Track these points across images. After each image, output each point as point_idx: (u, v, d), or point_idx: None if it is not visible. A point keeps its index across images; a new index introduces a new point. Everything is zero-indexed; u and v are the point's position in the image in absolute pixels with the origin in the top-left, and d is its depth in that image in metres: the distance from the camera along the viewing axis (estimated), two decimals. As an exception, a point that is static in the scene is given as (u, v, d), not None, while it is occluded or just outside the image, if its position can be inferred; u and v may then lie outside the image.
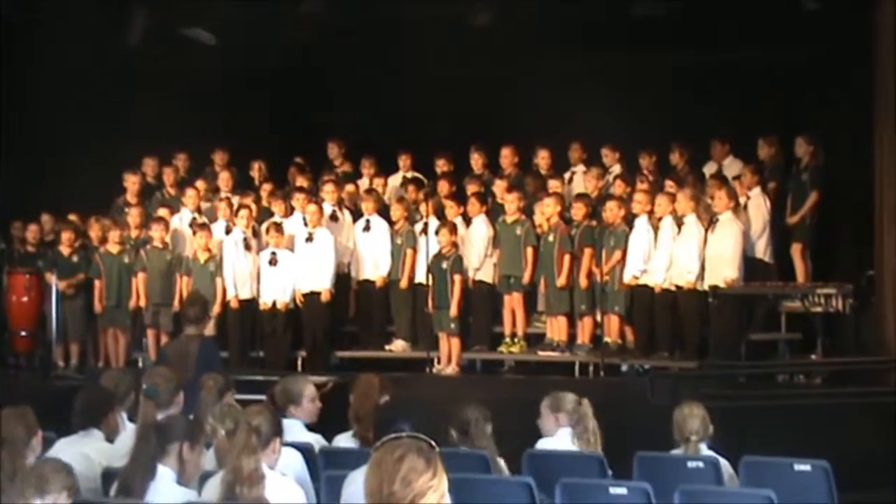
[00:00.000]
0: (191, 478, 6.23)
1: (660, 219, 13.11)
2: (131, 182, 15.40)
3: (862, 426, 10.14)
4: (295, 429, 7.57)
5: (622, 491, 6.85)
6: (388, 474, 3.81)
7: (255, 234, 14.58)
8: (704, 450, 7.60)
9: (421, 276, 14.13)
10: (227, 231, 14.59)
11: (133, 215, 14.95)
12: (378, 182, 15.43)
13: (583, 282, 13.38)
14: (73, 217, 15.39)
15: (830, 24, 13.30)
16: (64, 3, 14.67)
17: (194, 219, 14.90)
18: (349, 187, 15.27)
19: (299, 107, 16.31)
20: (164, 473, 6.07)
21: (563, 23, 14.43)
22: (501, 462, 7.44)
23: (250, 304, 14.31)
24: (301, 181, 15.22)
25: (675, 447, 7.67)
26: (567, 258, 13.40)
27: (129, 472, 6.08)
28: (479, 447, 7.32)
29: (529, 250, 13.70)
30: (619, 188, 13.84)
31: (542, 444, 7.78)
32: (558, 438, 7.72)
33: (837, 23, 13.17)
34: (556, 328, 13.64)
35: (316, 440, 7.67)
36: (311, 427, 7.80)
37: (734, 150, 14.21)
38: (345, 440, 7.74)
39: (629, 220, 13.32)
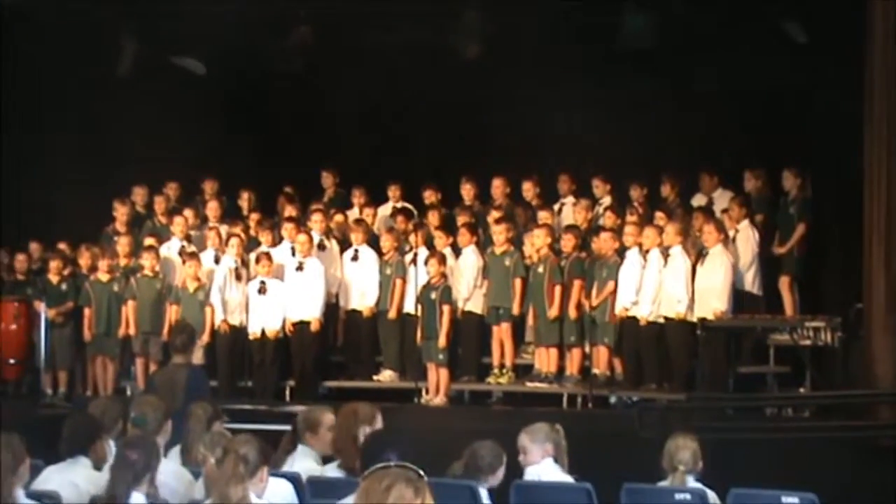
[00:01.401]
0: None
1: (647, 251, 13.13)
2: (121, 211, 15.40)
3: (850, 460, 10.14)
4: (307, 457, 7.56)
5: (611, 522, 6.85)
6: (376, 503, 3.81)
7: (244, 263, 14.57)
8: (691, 481, 7.59)
9: (409, 307, 14.12)
10: (216, 260, 14.59)
11: (122, 244, 14.94)
12: (368, 212, 15.43)
13: (572, 313, 13.38)
14: (62, 245, 15.38)
15: (819, 55, 13.35)
16: (54, 31, 14.69)
17: (183, 247, 14.89)
18: (338, 217, 15.26)
19: (289, 136, 16.32)
20: (137, 498, 6.07)
21: (553, 54, 14.48)
22: None
23: (239, 334, 14.29)
24: (290, 210, 15.23)
25: (663, 477, 7.66)
26: (557, 289, 13.41)
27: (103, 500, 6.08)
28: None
29: (518, 281, 13.71)
30: (609, 220, 13.86)
31: (530, 474, 7.76)
32: (543, 467, 7.71)
33: (826, 54, 13.22)
34: (544, 359, 13.62)
35: (332, 470, 7.60)
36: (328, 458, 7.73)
37: (723, 182, 14.24)
38: (331, 470, 7.71)
39: (620, 251, 13.33)
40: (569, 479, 7.68)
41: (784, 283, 13.36)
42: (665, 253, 13.01)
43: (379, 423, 7.64)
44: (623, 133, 14.30)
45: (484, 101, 15.25)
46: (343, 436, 7.53)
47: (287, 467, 7.49)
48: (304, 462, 7.49)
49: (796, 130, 13.74)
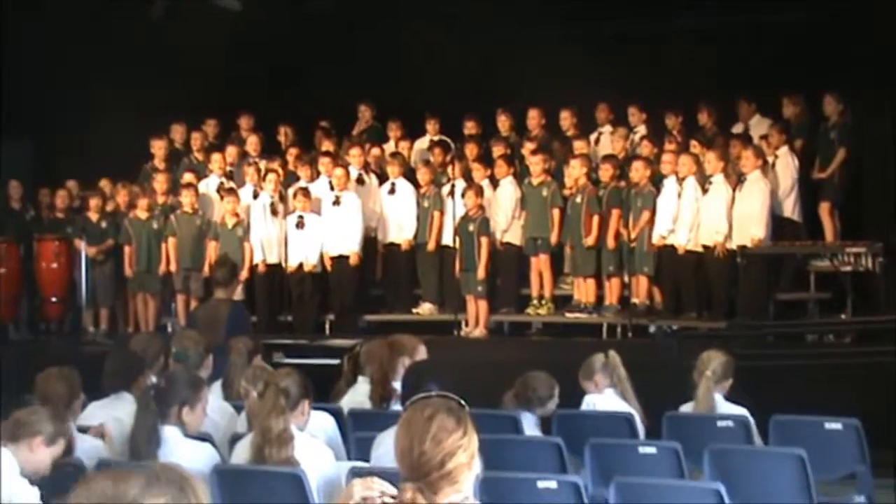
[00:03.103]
0: (194, 432, 6.28)
1: (684, 179, 13.06)
2: (158, 147, 15.42)
3: (892, 385, 10.09)
4: (365, 387, 7.63)
5: (651, 450, 6.86)
6: (418, 434, 3.81)
7: (282, 198, 14.59)
8: (717, 392, 7.62)
9: (448, 239, 14.11)
10: (255, 195, 14.61)
11: (161, 181, 14.95)
12: (404, 145, 15.40)
13: (610, 243, 13.35)
14: (102, 183, 15.44)
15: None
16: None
17: (221, 183, 14.91)
18: (375, 151, 15.25)
19: (324, 71, 16.26)
20: (171, 433, 6.11)
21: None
22: None
23: (278, 269, 14.35)
24: (327, 145, 15.21)
25: (692, 390, 7.71)
26: (595, 219, 13.37)
27: (133, 440, 6.12)
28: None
29: (556, 212, 13.66)
30: (645, 149, 13.78)
31: (587, 403, 7.79)
32: (599, 396, 7.75)
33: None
34: (583, 290, 13.61)
35: None
36: None
37: (761, 109, 14.12)
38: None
39: (656, 180, 13.27)
40: (622, 407, 7.69)
41: (824, 208, 13.26)
42: (704, 181, 12.94)
43: (422, 354, 7.66)
44: (659, 62, 14.19)
45: (520, 34, 15.14)
46: (379, 367, 7.57)
47: (349, 397, 7.59)
48: (366, 392, 7.55)
49: (837, 56, 13.58)
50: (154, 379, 7.41)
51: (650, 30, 14.48)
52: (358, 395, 7.58)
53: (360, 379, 7.72)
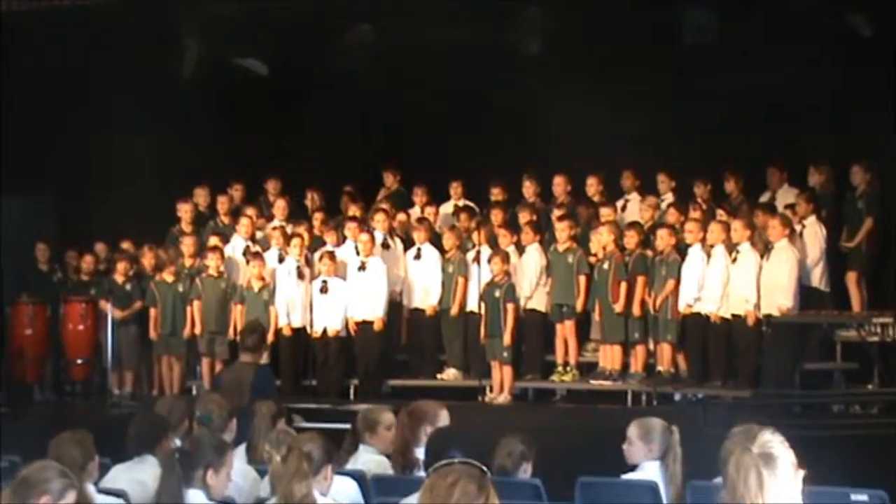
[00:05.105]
0: (218, 497, 6.24)
1: (713, 247, 13.05)
2: (185, 210, 15.50)
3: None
4: (370, 456, 7.58)
5: (675, 519, 6.80)
6: (440, 500, 3.80)
7: (308, 262, 14.63)
8: None
9: (472, 305, 14.12)
10: (281, 259, 14.65)
11: (187, 244, 15.03)
12: (429, 211, 15.45)
13: (636, 310, 13.34)
14: (126, 245, 15.53)
15: (886, 47, 13.19)
16: (120, 35, 14.79)
17: (248, 247, 14.96)
18: (400, 216, 15.31)
19: (351, 135, 16.35)
20: (195, 496, 6.09)
21: (614, 51, 14.43)
22: None
23: (302, 333, 14.36)
24: (353, 210, 15.26)
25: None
26: (623, 286, 13.37)
27: (157, 502, 6.10)
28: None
29: (582, 279, 13.67)
30: (672, 216, 13.80)
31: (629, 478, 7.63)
32: (645, 472, 7.51)
33: (892, 46, 13.06)
34: (609, 357, 13.59)
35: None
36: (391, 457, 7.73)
37: (789, 178, 14.13)
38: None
39: (681, 248, 13.27)
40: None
41: (851, 278, 13.23)
42: (731, 249, 12.93)
43: (444, 420, 7.61)
44: (686, 129, 14.22)
45: (546, 97, 15.19)
46: (401, 435, 7.52)
47: (350, 466, 7.51)
48: (366, 461, 7.51)
49: (862, 123, 13.58)
50: (178, 442, 7.41)
51: (676, 94, 14.52)
52: (359, 464, 7.52)
53: (362, 448, 7.66)
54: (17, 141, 14.71)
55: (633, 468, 7.41)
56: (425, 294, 14.50)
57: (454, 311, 14.28)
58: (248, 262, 14.69)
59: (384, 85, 15.95)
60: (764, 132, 14.42)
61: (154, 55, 15.28)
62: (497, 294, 13.73)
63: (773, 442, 4.36)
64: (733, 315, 12.88)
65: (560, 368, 13.82)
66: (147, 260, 15.17)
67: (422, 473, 6.87)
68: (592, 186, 14.85)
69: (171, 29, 15.28)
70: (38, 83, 14.76)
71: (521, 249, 14.07)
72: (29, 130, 14.75)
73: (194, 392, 14.34)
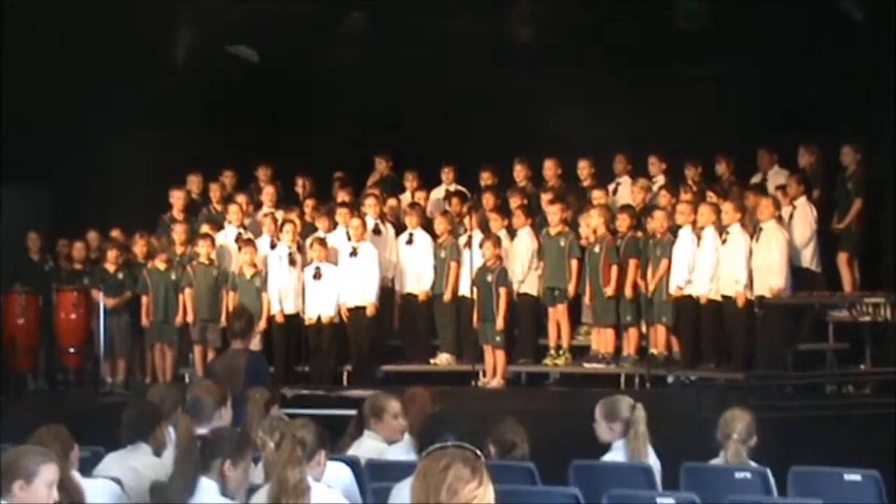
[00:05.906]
0: (234, 494, 6.23)
1: (702, 229, 13.07)
2: (177, 198, 15.46)
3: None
4: (373, 442, 7.59)
5: (670, 502, 6.81)
6: (434, 484, 3.80)
7: (300, 248, 14.62)
8: (744, 453, 7.51)
9: (464, 290, 14.14)
10: (272, 246, 14.64)
11: (179, 231, 15.00)
12: (420, 195, 15.45)
13: (629, 293, 13.36)
14: (115, 234, 15.50)
15: (877, 31, 13.20)
16: (110, 24, 14.74)
17: (239, 234, 14.95)
18: (391, 201, 15.30)
19: (342, 121, 16.33)
20: (207, 486, 6.08)
21: (605, 36, 14.43)
22: None
23: (295, 319, 14.36)
24: (343, 196, 15.25)
25: (718, 451, 7.59)
26: (614, 269, 13.38)
27: (170, 485, 6.09)
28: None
29: (574, 262, 13.69)
30: (663, 199, 13.81)
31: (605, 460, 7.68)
32: (615, 452, 7.54)
33: (883, 30, 13.06)
34: (601, 340, 13.61)
35: (391, 452, 7.61)
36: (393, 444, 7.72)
37: (779, 159, 14.15)
38: (390, 452, 7.72)
39: (673, 230, 13.28)
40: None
41: (842, 259, 13.26)
42: (723, 231, 12.94)
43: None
44: (678, 112, 14.23)
45: (537, 84, 15.18)
46: (419, 417, 7.51)
47: (352, 451, 7.53)
48: (369, 447, 7.51)
49: (852, 105, 13.59)
50: (171, 430, 7.40)
51: (669, 76, 14.52)
52: (361, 450, 7.53)
53: (366, 433, 7.67)
54: (12, 131, 14.64)
55: (607, 449, 7.48)
56: (417, 279, 14.50)
57: (447, 296, 14.29)
58: (239, 249, 14.66)
59: (375, 72, 15.92)
60: (753, 115, 14.40)
61: (146, 43, 15.23)
62: (489, 278, 13.74)
63: None
64: (724, 296, 12.89)
65: (553, 352, 13.84)
66: (139, 248, 15.13)
67: (414, 457, 6.88)
68: (584, 170, 14.86)
69: (164, 17, 15.22)
70: (33, 72, 14.69)
71: (512, 233, 14.08)
72: (23, 120, 14.68)
73: (187, 380, 14.33)
